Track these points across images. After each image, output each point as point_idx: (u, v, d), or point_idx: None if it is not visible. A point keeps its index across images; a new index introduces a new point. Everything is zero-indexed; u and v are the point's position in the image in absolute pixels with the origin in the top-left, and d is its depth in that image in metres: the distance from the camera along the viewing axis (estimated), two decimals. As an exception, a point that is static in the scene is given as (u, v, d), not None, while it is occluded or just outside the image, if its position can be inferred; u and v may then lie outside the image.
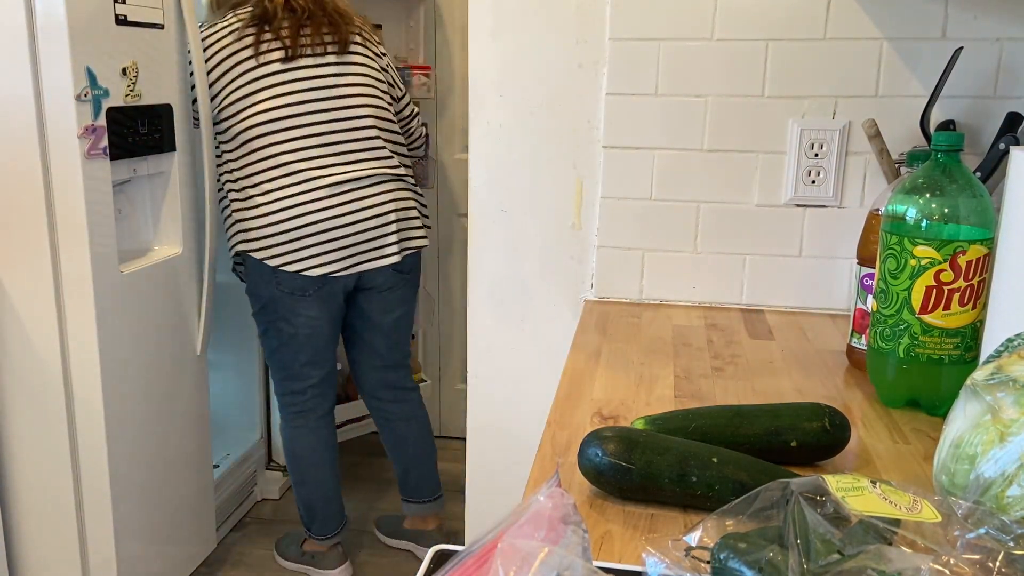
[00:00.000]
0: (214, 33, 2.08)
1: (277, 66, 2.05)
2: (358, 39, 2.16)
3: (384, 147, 2.16)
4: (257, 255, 2.08)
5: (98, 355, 1.85)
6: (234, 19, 2.08)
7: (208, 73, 2.06)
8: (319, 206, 2.05)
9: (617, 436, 0.81)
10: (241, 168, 2.08)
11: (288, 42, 2.05)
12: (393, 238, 2.14)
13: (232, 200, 2.11)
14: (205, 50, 2.06)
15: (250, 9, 2.07)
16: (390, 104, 2.22)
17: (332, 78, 2.09)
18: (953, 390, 0.76)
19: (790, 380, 1.14)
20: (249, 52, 2.05)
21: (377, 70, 2.19)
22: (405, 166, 2.24)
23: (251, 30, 2.05)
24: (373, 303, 2.23)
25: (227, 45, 2.06)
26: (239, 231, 2.11)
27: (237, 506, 2.67)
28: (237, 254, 2.15)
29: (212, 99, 2.07)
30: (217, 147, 2.13)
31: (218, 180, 2.15)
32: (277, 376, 2.27)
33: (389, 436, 2.41)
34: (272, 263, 2.07)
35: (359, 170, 2.10)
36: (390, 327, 2.29)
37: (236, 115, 2.06)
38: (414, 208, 2.22)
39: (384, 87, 2.21)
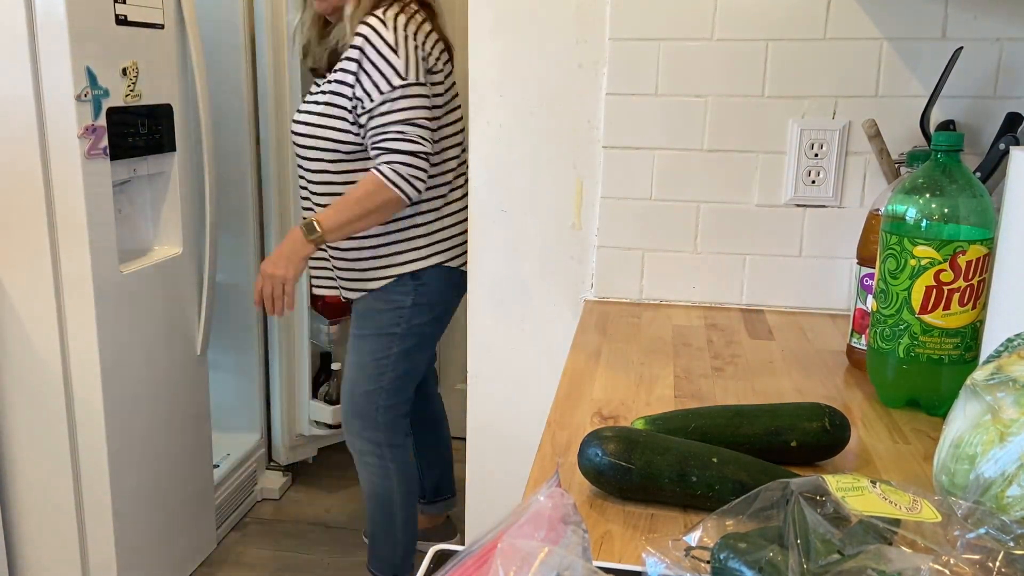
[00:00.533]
0: (402, 18, 1.83)
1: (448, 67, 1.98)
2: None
3: None
4: (452, 263, 1.98)
5: (98, 355, 1.85)
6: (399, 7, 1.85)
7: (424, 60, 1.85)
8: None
9: (617, 436, 0.81)
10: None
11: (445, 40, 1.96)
12: None
13: (400, 218, 1.92)
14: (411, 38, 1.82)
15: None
16: None
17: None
18: (953, 390, 0.76)
19: (790, 380, 1.14)
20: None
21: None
22: None
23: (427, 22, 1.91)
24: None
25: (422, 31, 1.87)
26: (412, 248, 1.95)
27: (237, 506, 2.67)
28: (412, 275, 1.96)
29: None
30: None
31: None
32: (394, 388, 2.04)
33: (431, 436, 2.37)
34: (456, 263, 1.98)
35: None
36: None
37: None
38: None
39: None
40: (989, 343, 0.95)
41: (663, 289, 1.49)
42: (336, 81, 1.84)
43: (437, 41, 1.91)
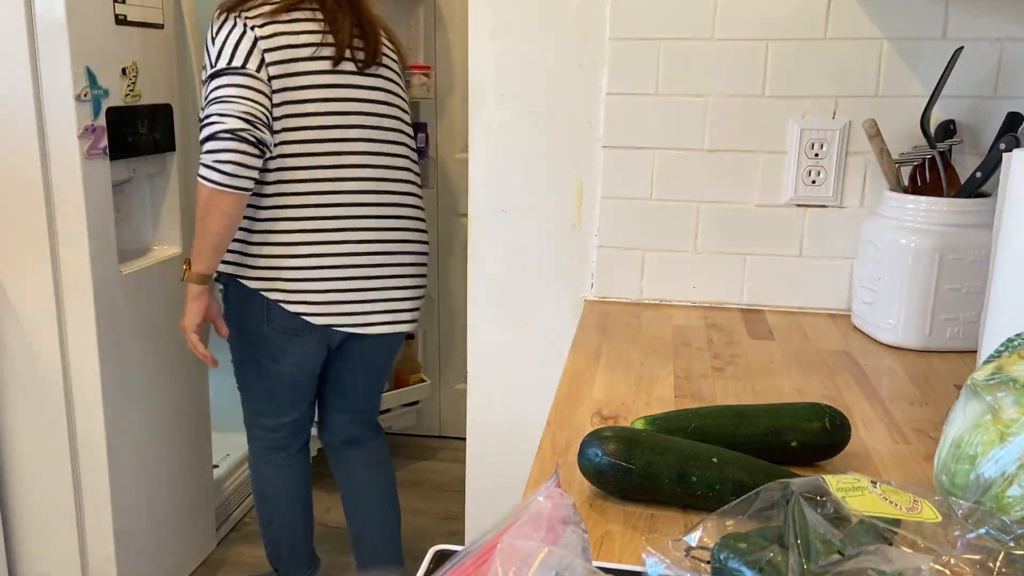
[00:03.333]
0: (259, 16, 1.68)
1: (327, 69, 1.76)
2: (388, 51, 1.86)
3: (414, 190, 1.91)
4: (252, 284, 1.79)
5: (98, 355, 1.85)
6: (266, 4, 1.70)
7: (272, 66, 1.68)
8: (346, 254, 1.79)
9: (617, 436, 0.81)
10: (272, 184, 1.74)
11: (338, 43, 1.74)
12: (410, 304, 1.90)
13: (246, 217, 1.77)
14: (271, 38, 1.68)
15: None
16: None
17: (369, 91, 1.80)
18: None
19: (790, 380, 1.14)
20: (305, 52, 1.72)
21: (403, 96, 1.91)
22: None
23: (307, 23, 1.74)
24: (365, 352, 1.97)
25: (283, 33, 1.70)
26: (236, 252, 1.80)
27: (237, 506, 2.66)
28: (223, 275, 1.84)
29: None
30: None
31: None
32: (249, 408, 2.00)
33: (349, 485, 2.14)
34: (272, 296, 1.78)
35: (392, 216, 1.84)
36: (376, 373, 2.06)
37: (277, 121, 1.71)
38: (426, 264, 1.95)
39: (407, 117, 1.91)
40: (989, 343, 0.95)
41: (663, 289, 1.49)
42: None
43: (299, 33, 1.71)
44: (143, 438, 2.04)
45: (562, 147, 1.49)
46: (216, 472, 2.50)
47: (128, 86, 1.88)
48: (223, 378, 2.71)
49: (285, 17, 1.71)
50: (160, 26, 1.99)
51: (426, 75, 2.87)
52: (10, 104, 1.73)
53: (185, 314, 1.79)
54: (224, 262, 1.80)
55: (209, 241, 1.70)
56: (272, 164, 1.72)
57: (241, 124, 1.61)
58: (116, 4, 1.82)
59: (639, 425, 0.89)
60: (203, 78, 1.71)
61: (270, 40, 1.68)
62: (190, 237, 2.16)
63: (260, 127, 1.64)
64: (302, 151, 1.73)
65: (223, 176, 1.62)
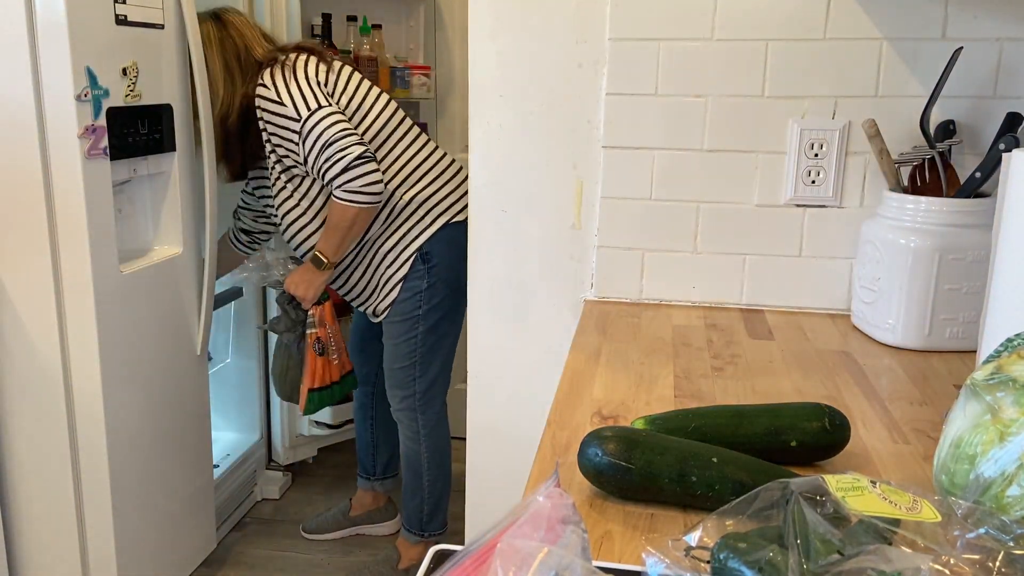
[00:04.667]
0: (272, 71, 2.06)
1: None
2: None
3: None
4: (456, 218, 2.11)
5: (98, 355, 1.85)
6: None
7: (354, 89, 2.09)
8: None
9: (617, 436, 0.81)
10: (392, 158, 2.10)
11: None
12: None
13: (395, 192, 2.08)
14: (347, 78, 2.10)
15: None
16: None
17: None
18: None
19: (790, 380, 1.14)
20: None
21: None
22: None
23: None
24: None
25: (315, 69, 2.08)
26: (423, 214, 2.09)
27: (237, 506, 2.66)
28: (422, 256, 2.11)
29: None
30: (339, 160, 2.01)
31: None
32: (425, 384, 2.23)
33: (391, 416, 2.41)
34: (459, 217, 2.12)
35: None
36: None
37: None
38: None
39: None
40: (989, 343, 0.95)
41: (663, 289, 1.49)
42: (274, 161, 2.07)
43: (319, 63, 2.06)
44: (143, 438, 2.04)
45: (562, 147, 1.49)
46: (216, 472, 2.49)
47: (128, 86, 1.88)
48: (223, 378, 2.72)
49: (301, 61, 2.05)
50: (160, 26, 1.99)
51: (426, 75, 2.87)
52: (10, 104, 1.73)
53: (305, 288, 2.14)
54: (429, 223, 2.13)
55: (347, 241, 2.04)
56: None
57: (361, 148, 1.93)
58: (116, 4, 1.82)
59: (639, 425, 0.89)
60: (295, 133, 1.99)
61: (317, 76, 2.02)
62: (190, 237, 2.16)
63: (365, 143, 1.96)
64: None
65: (371, 197, 1.95)
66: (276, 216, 2.16)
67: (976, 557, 0.55)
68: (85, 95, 1.75)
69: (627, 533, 0.76)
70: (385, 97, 2.15)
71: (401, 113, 2.15)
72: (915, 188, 1.33)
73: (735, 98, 1.40)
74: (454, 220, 2.12)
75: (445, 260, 2.11)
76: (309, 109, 1.95)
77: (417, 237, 2.10)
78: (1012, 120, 1.29)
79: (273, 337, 2.60)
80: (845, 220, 1.41)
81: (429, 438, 2.28)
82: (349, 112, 2.04)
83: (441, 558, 0.65)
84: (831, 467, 0.89)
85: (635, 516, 0.79)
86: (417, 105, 2.98)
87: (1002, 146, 1.24)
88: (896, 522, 0.58)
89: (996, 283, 0.95)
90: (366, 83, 2.13)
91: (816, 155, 1.40)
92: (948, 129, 1.34)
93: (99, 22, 1.78)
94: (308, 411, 2.28)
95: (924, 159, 1.32)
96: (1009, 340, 0.75)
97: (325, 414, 2.81)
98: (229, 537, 2.58)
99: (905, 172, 1.35)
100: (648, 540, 0.63)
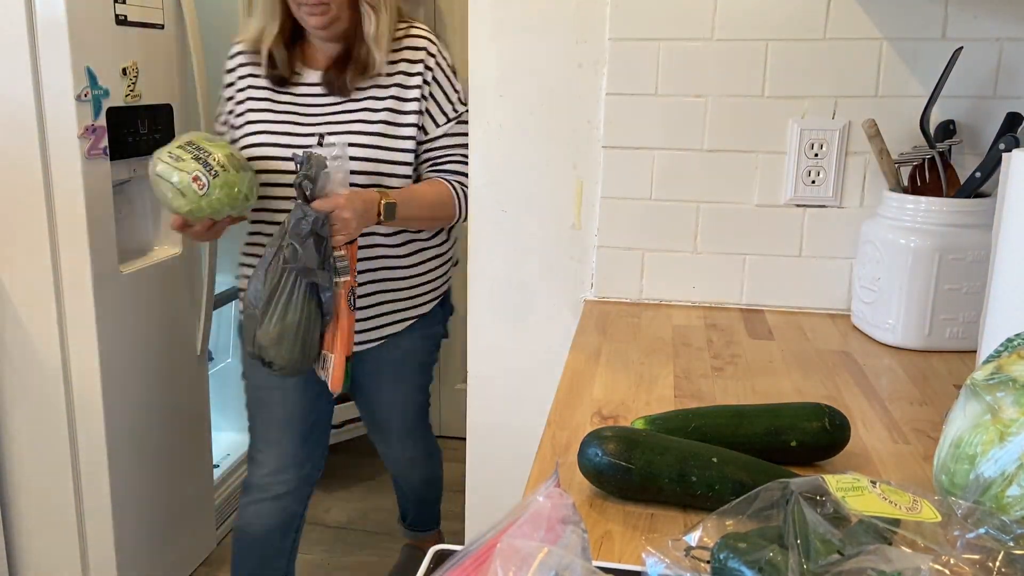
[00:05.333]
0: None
1: None
2: None
3: None
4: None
5: (98, 355, 1.85)
6: None
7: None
8: None
9: (617, 436, 0.81)
10: None
11: None
12: None
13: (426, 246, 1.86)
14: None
15: None
16: None
17: None
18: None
19: (790, 380, 1.14)
20: None
21: None
22: None
23: None
24: None
25: None
26: (441, 266, 1.92)
27: (237, 506, 2.66)
28: (446, 297, 1.97)
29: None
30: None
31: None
32: (425, 421, 2.16)
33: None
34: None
35: None
36: None
37: None
38: None
39: None
40: (989, 343, 0.95)
41: (663, 289, 1.49)
42: (394, 98, 1.73)
43: None
44: (143, 438, 2.04)
45: (562, 147, 1.49)
46: (216, 472, 2.50)
47: (128, 86, 1.88)
48: (223, 378, 2.72)
49: None
50: (160, 26, 1.99)
51: (426, 75, 2.86)
52: (10, 104, 1.73)
53: (353, 225, 1.58)
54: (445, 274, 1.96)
55: (416, 223, 1.77)
56: None
57: None
58: (116, 4, 1.82)
59: (639, 425, 0.89)
60: (453, 111, 1.79)
61: None
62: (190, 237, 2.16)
63: None
64: None
65: (461, 216, 1.80)
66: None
67: (976, 557, 0.55)
68: (85, 95, 1.75)
69: (627, 533, 0.76)
70: None
71: None
72: (915, 188, 1.33)
73: (735, 98, 1.40)
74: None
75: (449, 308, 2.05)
76: (464, 104, 1.78)
77: (447, 281, 1.96)
78: (1012, 120, 1.29)
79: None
80: (845, 220, 1.41)
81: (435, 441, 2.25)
82: None
83: (441, 558, 0.65)
84: (831, 467, 0.89)
85: (635, 516, 0.79)
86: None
87: (1002, 146, 1.24)
88: (896, 522, 0.58)
89: (996, 283, 0.95)
90: None
91: (816, 155, 1.39)
92: (948, 129, 1.34)
93: (99, 22, 1.79)
94: (345, 386, 1.71)
95: (924, 159, 1.32)
96: (1009, 340, 0.75)
97: (325, 414, 2.80)
98: (229, 537, 2.57)
99: (905, 172, 1.35)
100: (648, 540, 0.63)
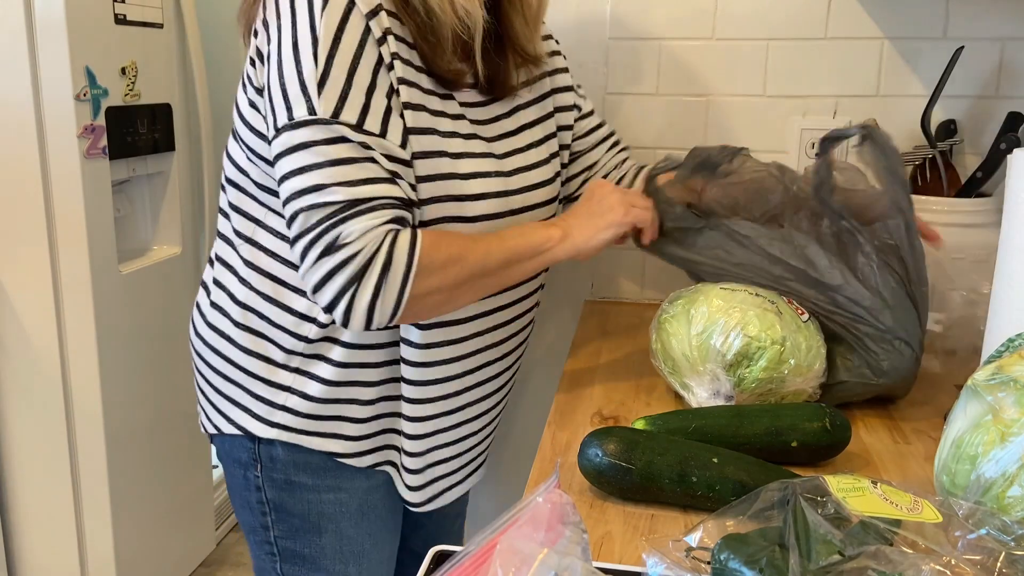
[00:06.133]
0: None
1: None
2: None
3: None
4: None
5: (97, 355, 1.85)
6: None
7: None
8: None
9: (617, 436, 0.81)
10: None
11: None
12: None
13: None
14: None
15: None
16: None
17: None
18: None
19: (790, 380, 1.14)
20: None
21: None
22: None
23: None
24: None
25: None
26: None
27: (237, 506, 2.66)
28: None
29: None
30: None
31: None
32: None
33: None
34: None
35: None
36: None
37: None
38: None
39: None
40: (989, 343, 0.95)
41: (663, 289, 1.49)
42: (544, 115, 1.14)
43: None
44: (143, 438, 2.04)
45: (562, 147, 1.49)
46: (216, 472, 2.49)
47: (128, 86, 1.88)
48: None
49: None
50: (160, 26, 1.98)
51: (426, 75, 2.85)
52: (10, 104, 1.73)
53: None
54: None
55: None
56: None
57: None
58: (116, 4, 1.82)
59: (639, 425, 0.89)
60: None
61: None
62: (190, 237, 2.16)
63: None
64: None
65: None
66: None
67: (977, 558, 0.55)
68: (84, 95, 1.75)
69: (627, 534, 0.76)
70: None
71: None
72: (916, 188, 1.33)
73: (735, 98, 1.40)
74: None
75: None
76: None
77: None
78: (1013, 120, 1.29)
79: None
80: (845, 220, 1.41)
81: None
82: None
83: (441, 558, 0.65)
84: (832, 467, 0.89)
85: (635, 516, 0.79)
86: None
87: (1003, 146, 1.24)
88: (897, 523, 0.58)
89: (997, 283, 0.94)
90: None
91: (816, 155, 1.39)
92: (949, 129, 1.34)
93: (98, 21, 1.78)
94: None
95: (925, 159, 1.32)
96: (1010, 340, 0.75)
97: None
98: (229, 537, 2.57)
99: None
100: (648, 541, 0.63)
